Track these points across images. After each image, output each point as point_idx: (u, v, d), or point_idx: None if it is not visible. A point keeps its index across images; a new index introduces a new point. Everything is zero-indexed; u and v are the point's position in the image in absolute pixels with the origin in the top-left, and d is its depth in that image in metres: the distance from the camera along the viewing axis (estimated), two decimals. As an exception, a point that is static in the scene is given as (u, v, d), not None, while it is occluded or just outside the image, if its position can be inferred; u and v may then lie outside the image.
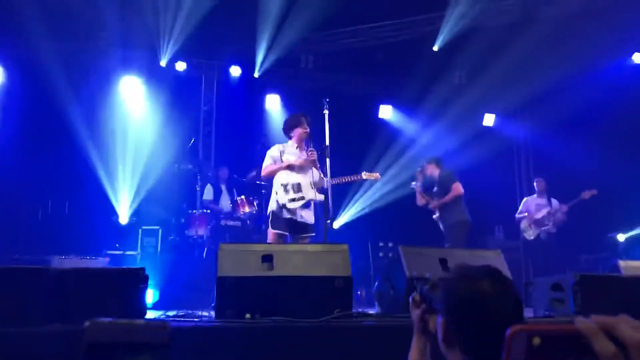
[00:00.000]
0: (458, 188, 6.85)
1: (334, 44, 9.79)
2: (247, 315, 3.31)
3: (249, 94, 9.81)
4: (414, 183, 7.27)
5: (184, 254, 7.57)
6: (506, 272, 3.94)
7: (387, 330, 3.26)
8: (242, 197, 7.78)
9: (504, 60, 8.47)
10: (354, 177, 5.94)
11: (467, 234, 6.78)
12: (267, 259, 3.49)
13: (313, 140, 5.32)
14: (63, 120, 8.06)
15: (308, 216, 5.29)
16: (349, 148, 8.21)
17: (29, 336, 2.73)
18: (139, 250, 7.52)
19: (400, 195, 8.44)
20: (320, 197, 5.25)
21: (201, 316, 3.88)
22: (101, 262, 6.97)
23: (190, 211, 7.73)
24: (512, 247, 8.25)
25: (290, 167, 5.35)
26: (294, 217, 5.22)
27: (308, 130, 5.41)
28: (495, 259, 4.03)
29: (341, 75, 10.20)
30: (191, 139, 8.87)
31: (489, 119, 10.20)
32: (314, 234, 5.34)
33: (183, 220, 7.73)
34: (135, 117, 8.91)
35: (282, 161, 5.41)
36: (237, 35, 9.45)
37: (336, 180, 5.82)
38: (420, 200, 7.12)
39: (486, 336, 1.38)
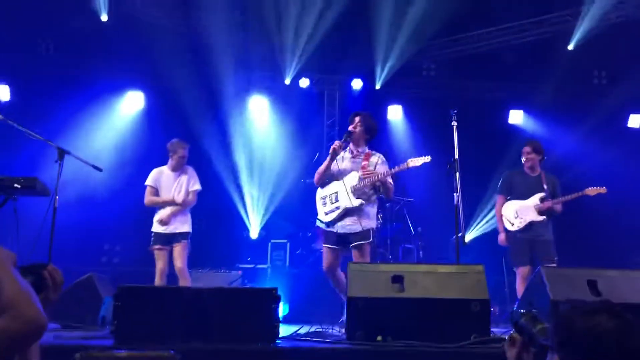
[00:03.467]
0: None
1: (456, 50, 9.49)
2: (379, 338, 3.22)
3: (371, 106, 9.77)
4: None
5: (311, 267, 7.68)
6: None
7: None
8: (367, 210, 7.73)
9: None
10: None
11: None
12: (398, 279, 3.38)
13: (442, 152, 5.02)
14: (198, 142, 8.58)
15: (351, 224, 4.79)
16: (479, 159, 7.84)
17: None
18: (268, 263, 7.76)
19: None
20: (357, 202, 4.77)
21: (331, 335, 3.86)
22: (234, 275, 7.28)
23: (317, 225, 7.82)
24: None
25: (335, 174, 4.93)
26: (334, 230, 4.85)
27: (353, 125, 4.96)
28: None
29: (466, 82, 9.83)
30: (316, 154, 9.01)
31: (634, 120, 9.26)
32: (369, 240, 4.82)
33: (310, 234, 7.84)
34: (263, 135, 9.25)
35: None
36: (357, 48, 9.48)
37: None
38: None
39: None
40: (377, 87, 9.65)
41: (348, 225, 4.80)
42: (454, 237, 4.72)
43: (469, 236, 8.56)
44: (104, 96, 8.98)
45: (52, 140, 4.59)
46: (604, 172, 7.50)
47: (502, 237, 5.78)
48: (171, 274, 5.81)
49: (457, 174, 4.66)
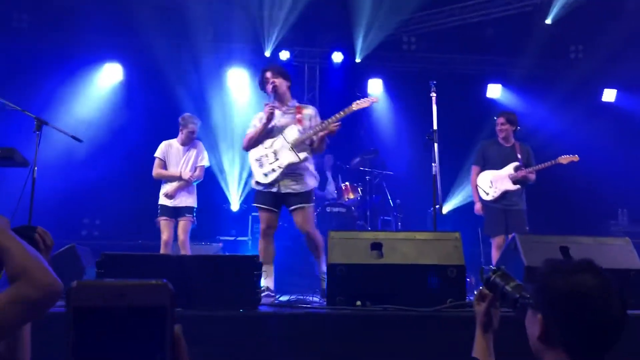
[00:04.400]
0: None
1: (437, 23, 9.50)
2: (358, 303, 3.31)
3: (352, 80, 9.77)
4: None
5: (292, 239, 7.75)
6: (637, 262, 3.63)
7: (503, 321, 3.12)
8: (347, 183, 7.81)
9: (628, 29, 7.75)
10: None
11: None
12: (376, 246, 3.46)
13: (421, 125, 5.06)
14: (176, 115, 8.51)
15: (293, 184, 4.44)
16: (458, 132, 7.94)
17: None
18: (249, 236, 7.82)
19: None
20: (302, 155, 4.41)
21: (312, 302, 3.95)
22: (215, 247, 7.34)
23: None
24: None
25: (266, 133, 4.51)
26: (273, 190, 4.44)
27: (272, 81, 4.53)
28: (623, 247, 3.72)
29: (446, 55, 9.86)
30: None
31: (609, 95, 9.42)
32: (311, 204, 4.54)
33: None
34: (243, 108, 9.21)
35: None
36: (338, 21, 9.44)
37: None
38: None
39: (594, 335, 1.34)
40: (358, 60, 9.64)
41: (290, 184, 4.44)
42: (432, 208, 4.83)
43: (447, 207, 8.71)
44: (82, 68, 8.86)
45: (30, 112, 4.54)
46: (579, 144, 7.64)
47: (477, 206, 5.93)
48: (149, 248, 5.84)
49: (436, 145, 4.73)
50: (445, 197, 8.59)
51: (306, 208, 4.49)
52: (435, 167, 4.71)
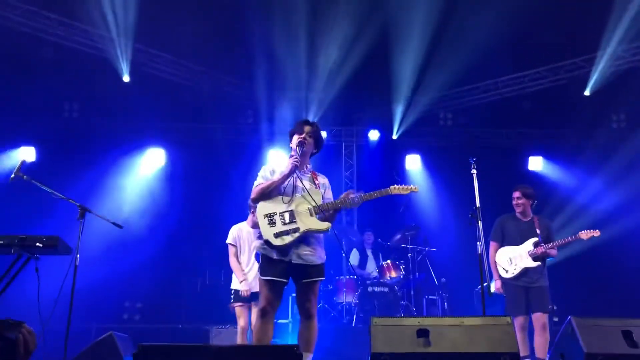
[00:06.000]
0: None
1: (473, 98, 9.57)
2: (406, 396, 3.10)
3: (389, 156, 9.81)
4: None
5: (333, 322, 7.53)
6: None
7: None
8: (389, 261, 7.63)
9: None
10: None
11: None
12: (423, 333, 3.27)
13: (462, 201, 4.93)
14: (219, 196, 8.67)
15: (309, 254, 3.85)
16: (501, 206, 7.74)
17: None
18: (289, 318, 7.62)
19: (562, 255, 7.70)
20: (324, 225, 3.89)
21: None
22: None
23: (337, 277, 7.71)
24: None
25: (280, 184, 3.94)
26: (285, 259, 3.80)
27: (304, 135, 4.07)
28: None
29: (483, 129, 9.85)
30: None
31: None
32: (322, 278, 3.98)
33: (331, 287, 7.72)
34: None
35: None
36: (374, 100, 9.64)
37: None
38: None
39: None
40: (394, 137, 9.71)
41: (305, 254, 3.84)
42: (479, 287, 4.61)
43: (494, 286, 8.34)
44: (126, 155, 9.18)
45: (74, 199, 4.64)
46: (629, 215, 7.35)
47: (497, 284, 5.64)
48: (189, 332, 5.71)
49: (480, 223, 4.58)
50: (491, 275, 8.26)
51: (319, 283, 3.98)
52: (480, 245, 4.54)
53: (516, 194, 5.71)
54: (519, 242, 5.54)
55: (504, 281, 5.57)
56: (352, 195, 3.95)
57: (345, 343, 6.54)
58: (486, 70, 8.94)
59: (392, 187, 4.12)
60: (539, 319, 5.28)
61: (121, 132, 9.18)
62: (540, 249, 5.43)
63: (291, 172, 3.92)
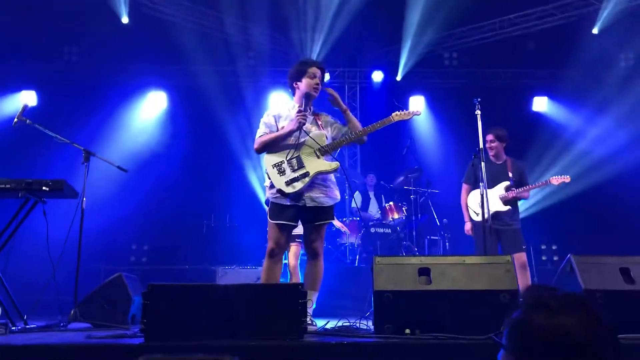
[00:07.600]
0: None
1: (478, 38, 9.37)
2: (407, 331, 3.19)
3: (393, 98, 9.70)
4: None
5: (336, 262, 7.67)
6: None
7: None
8: (391, 203, 7.70)
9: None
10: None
11: None
12: (424, 272, 3.34)
13: (465, 142, 4.93)
14: (222, 139, 8.67)
15: (321, 196, 3.89)
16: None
17: (201, 350, 2.88)
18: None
19: (564, 195, 7.74)
20: (332, 165, 3.88)
21: (359, 329, 3.85)
22: (260, 271, 7.32)
23: (340, 219, 7.81)
24: None
25: (285, 137, 3.89)
26: (299, 204, 3.84)
27: (317, 82, 3.97)
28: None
29: (488, 70, 9.69)
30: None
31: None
32: (332, 220, 4.05)
33: (334, 229, 7.82)
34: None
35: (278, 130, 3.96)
36: (377, 41, 9.44)
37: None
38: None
39: None
40: (398, 78, 9.58)
41: (317, 196, 3.87)
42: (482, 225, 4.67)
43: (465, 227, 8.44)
44: (128, 98, 9.12)
45: (78, 143, 4.65)
46: (631, 155, 7.33)
47: (467, 226, 5.66)
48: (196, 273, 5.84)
49: (483, 164, 4.59)
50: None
51: (327, 225, 4.02)
52: (482, 186, 4.57)
53: (489, 137, 5.62)
54: (491, 185, 5.40)
55: (475, 223, 5.57)
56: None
57: (348, 282, 6.70)
58: (492, 8, 8.71)
59: (393, 114, 4.03)
60: (517, 259, 5.21)
61: (122, 76, 9.08)
62: (512, 194, 5.42)
63: (298, 129, 3.86)
